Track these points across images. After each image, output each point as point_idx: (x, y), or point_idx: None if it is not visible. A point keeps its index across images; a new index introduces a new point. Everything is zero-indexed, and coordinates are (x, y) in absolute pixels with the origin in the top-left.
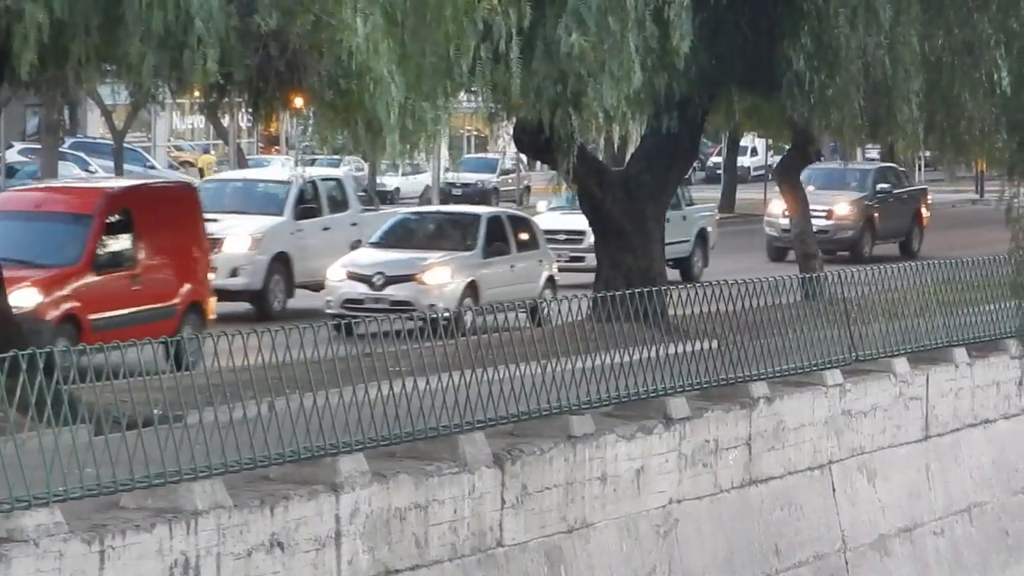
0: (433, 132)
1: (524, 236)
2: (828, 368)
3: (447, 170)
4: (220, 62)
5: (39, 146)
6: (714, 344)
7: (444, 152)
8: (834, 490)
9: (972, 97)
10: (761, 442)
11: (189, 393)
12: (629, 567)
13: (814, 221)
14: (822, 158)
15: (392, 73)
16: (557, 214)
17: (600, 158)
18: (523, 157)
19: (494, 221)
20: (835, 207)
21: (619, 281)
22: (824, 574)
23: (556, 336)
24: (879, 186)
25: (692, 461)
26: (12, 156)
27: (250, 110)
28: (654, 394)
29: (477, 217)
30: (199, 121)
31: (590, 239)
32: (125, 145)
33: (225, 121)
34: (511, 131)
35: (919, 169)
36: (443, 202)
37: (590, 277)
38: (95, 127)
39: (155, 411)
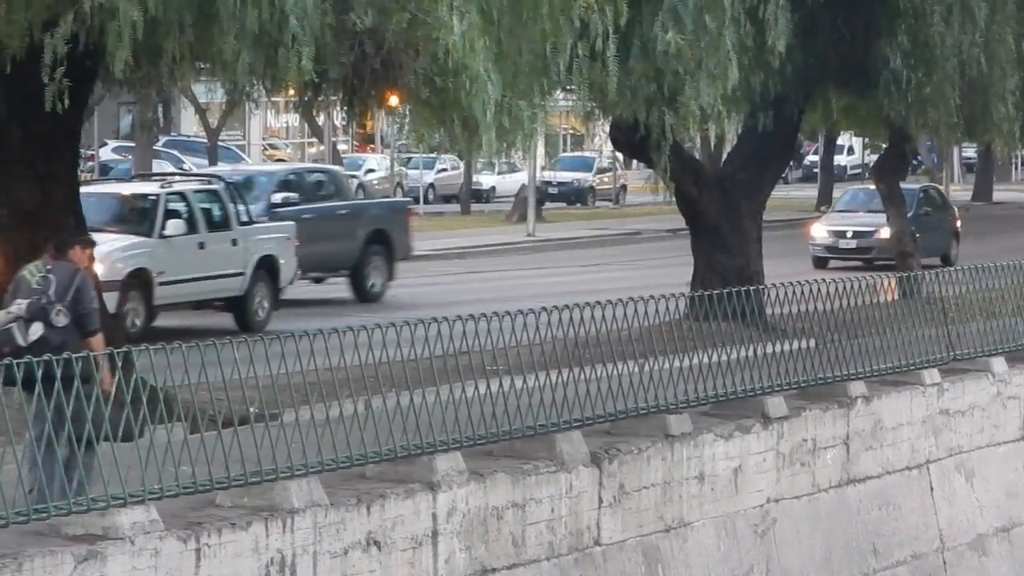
0: (530, 130)
1: None
2: (926, 367)
3: (543, 169)
4: (315, 60)
5: (133, 144)
6: (811, 343)
7: (540, 150)
8: (932, 489)
9: None
10: (859, 441)
11: (285, 391)
12: (727, 566)
13: None
14: (918, 157)
15: (488, 71)
16: None
17: (696, 157)
18: (619, 156)
19: None
20: None
21: (715, 280)
22: (922, 574)
23: (654, 335)
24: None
25: (790, 460)
26: (106, 154)
27: (345, 108)
28: (752, 393)
29: None
30: (294, 119)
31: None
32: (219, 143)
33: (320, 119)
34: (607, 129)
35: (1016, 167)
36: (539, 202)
37: None
38: (189, 125)
39: (251, 409)
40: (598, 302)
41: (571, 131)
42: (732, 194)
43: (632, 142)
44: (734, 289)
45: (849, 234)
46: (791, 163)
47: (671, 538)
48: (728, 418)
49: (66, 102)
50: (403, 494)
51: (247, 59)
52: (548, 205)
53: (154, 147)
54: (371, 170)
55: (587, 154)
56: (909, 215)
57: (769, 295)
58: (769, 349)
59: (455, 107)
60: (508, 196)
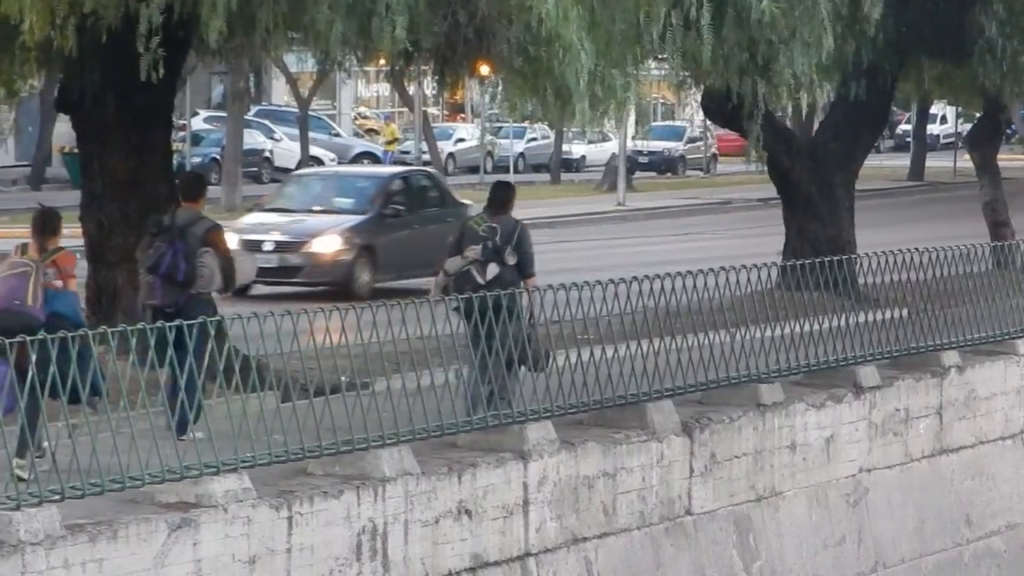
0: (622, 100)
1: None
2: (1020, 337)
3: (634, 138)
4: (408, 29)
5: (224, 114)
6: (904, 313)
7: (631, 120)
8: None
9: None
10: (952, 411)
11: (376, 360)
12: (818, 536)
13: None
14: (1012, 126)
15: (582, 40)
16: None
17: (788, 126)
18: (711, 125)
19: None
20: None
21: (807, 249)
22: (1016, 544)
23: (745, 304)
24: None
25: (882, 430)
26: (198, 124)
27: (436, 78)
28: (844, 363)
29: None
30: (384, 88)
31: None
32: (310, 113)
33: (411, 89)
34: (699, 98)
35: None
36: (630, 171)
37: None
38: (280, 95)
39: (342, 378)
40: (689, 271)
41: (662, 100)
42: (824, 164)
43: (724, 111)
44: (826, 259)
45: (269, 246)
46: (883, 132)
47: (763, 508)
48: (820, 388)
49: (160, 72)
50: (494, 463)
51: (340, 29)
52: (638, 174)
53: (245, 117)
54: (461, 139)
55: (678, 123)
56: (368, 216)
57: (861, 264)
58: (861, 318)
59: (548, 76)
60: (598, 165)
